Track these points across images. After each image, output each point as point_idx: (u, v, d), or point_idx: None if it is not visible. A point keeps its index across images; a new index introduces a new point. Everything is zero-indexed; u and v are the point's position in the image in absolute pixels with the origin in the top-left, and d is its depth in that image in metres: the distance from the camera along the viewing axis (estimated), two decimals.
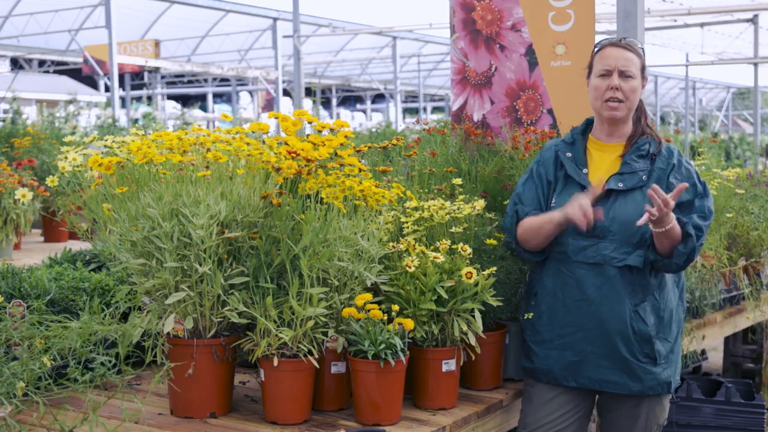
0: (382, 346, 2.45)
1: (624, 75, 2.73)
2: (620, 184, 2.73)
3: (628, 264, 2.70)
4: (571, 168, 2.81)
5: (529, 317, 2.85)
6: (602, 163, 2.81)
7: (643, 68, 2.78)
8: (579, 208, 2.61)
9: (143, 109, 20.87)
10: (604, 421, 2.92)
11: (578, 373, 2.78)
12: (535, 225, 2.78)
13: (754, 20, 17.40)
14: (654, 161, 2.77)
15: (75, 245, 4.99)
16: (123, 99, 23.29)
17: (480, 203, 2.99)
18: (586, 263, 2.74)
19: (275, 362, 2.42)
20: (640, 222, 2.58)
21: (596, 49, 2.81)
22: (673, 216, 2.59)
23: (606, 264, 2.71)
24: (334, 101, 32.93)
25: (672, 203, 2.52)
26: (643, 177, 2.73)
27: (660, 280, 2.77)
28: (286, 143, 2.54)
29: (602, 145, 2.84)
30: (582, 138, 2.87)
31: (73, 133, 8.99)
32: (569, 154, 2.84)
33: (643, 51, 2.80)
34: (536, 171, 2.88)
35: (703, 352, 5.41)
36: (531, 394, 2.86)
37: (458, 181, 3.14)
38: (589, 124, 2.90)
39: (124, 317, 2.96)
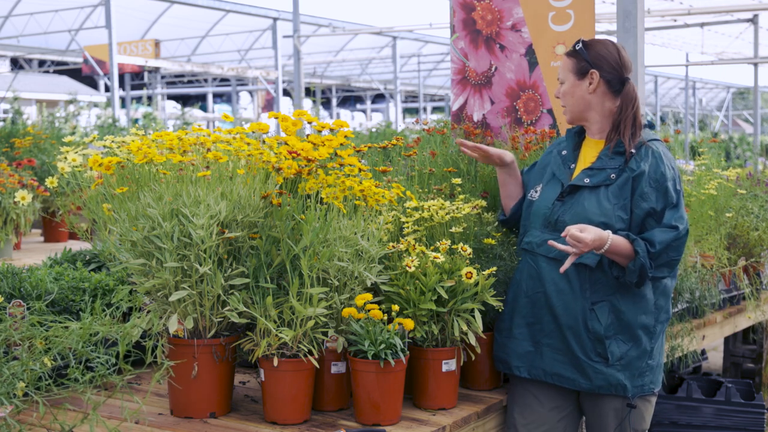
0: (382, 346, 2.45)
1: (559, 81, 2.87)
2: (586, 180, 2.74)
3: (583, 262, 2.69)
4: (557, 164, 2.87)
5: (499, 306, 2.83)
6: (587, 158, 2.84)
7: (576, 67, 2.79)
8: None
9: (143, 109, 20.85)
10: (586, 421, 2.93)
11: (532, 364, 2.79)
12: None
13: (754, 20, 17.42)
14: (629, 159, 2.72)
15: (75, 245, 4.98)
16: (123, 99, 23.29)
17: (480, 203, 2.99)
18: (546, 257, 2.76)
19: (275, 362, 2.42)
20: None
21: None
22: (605, 237, 2.57)
23: (562, 259, 2.70)
24: (334, 101, 32.93)
25: (581, 235, 2.53)
26: (612, 175, 2.71)
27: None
28: (286, 143, 2.54)
29: (591, 141, 2.87)
30: (576, 137, 2.91)
31: (73, 133, 8.98)
32: (564, 152, 2.89)
33: (579, 50, 2.80)
34: (543, 157, 3.01)
35: (703, 352, 5.41)
36: (513, 393, 2.87)
37: (457, 180, 3.14)
38: None
39: (125, 317, 2.96)
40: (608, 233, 2.59)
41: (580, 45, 2.81)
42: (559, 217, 2.75)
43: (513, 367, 2.82)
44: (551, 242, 2.66)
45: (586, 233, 2.55)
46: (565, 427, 2.86)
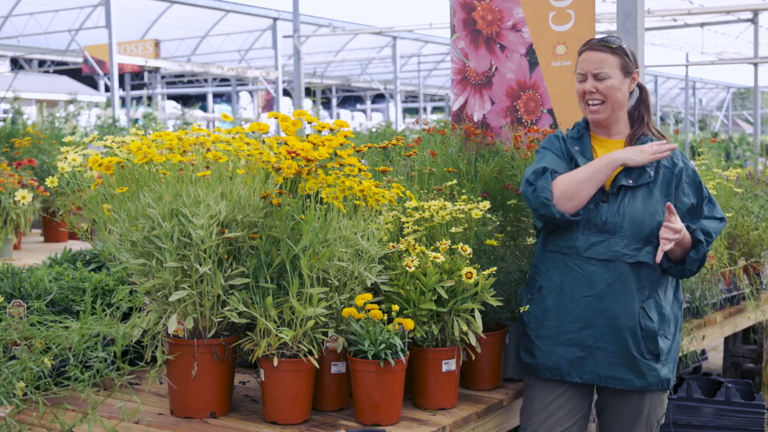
0: (382, 346, 2.45)
1: (597, 77, 2.75)
2: (630, 181, 2.74)
3: (639, 260, 2.71)
4: (583, 163, 2.79)
5: (525, 310, 2.83)
6: None
7: (624, 65, 2.76)
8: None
9: (143, 109, 20.86)
10: (604, 420, 2.92)
11: (583, 368, 2.78)
12: (586, 174, 2.70)
13: (754, 20, 17.41)
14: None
15: (75, 245, 4.99)
16: (123, 99, 23.29)
17: (484, 204, 2.99)
18: (597, 259, 2.74)
19: (275, 362, 2.42)
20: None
21: (579, 53, 2.84)
22: (681, 227, 2.65)
23: (617, 260, 2.72)
24: (334, 101, 32.92)
25: (678, 225, 2.62)
26: (651, 173, 2.75)
27: (663, 278, 2.79)
28: (286, 143, 2.54)
29: (604, 141, 2.85)
30: (587, 133, 2.88)
31: (73, 133, 8.98)
32: (577, 148, 2.84)
33: (624, 48, 2.77)
34: (552, 149, 2.84)
35: (703, 352, 5.41)
36: (532, 394, 2.86)
37: (453, 182, 3.13)
38: None
39: (125, 317, 2.96)
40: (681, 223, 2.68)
41: (623, 43, 2.78)
42: (608, 218, 2.72)
43: (564, 374, 2.79)
44: (665, 226, 2.65)
45: (679, 223, 2.64)
46: (580, 427, 2.86)
